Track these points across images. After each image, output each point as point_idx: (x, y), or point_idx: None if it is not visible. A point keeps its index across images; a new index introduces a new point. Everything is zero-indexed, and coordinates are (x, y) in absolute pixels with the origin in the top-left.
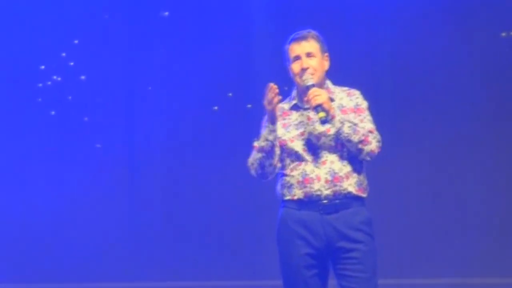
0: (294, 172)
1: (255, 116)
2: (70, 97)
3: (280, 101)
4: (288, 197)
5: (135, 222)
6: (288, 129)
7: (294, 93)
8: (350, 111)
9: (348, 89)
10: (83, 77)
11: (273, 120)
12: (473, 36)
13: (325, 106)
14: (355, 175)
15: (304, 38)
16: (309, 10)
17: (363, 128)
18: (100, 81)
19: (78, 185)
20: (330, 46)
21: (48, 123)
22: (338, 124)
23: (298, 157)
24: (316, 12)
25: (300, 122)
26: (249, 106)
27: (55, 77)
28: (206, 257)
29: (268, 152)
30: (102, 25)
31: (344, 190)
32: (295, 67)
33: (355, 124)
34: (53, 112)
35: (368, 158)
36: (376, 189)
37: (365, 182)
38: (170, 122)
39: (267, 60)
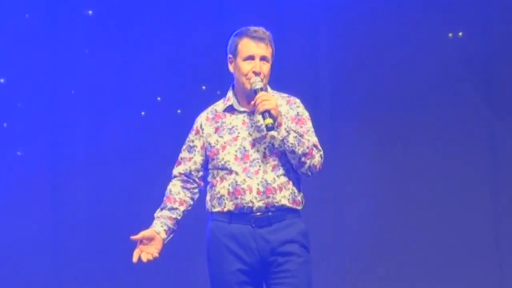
0: (225, 182)
1: (185, 121)
2: None
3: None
4: (217, 209)
5: (58, 233)
6: (221, 133)
7: (229, 93)
8: (291, 120)
9: (288, 96)
10: (1, 80)
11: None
12: (421, 37)
13: (273, 112)
14: (289, 186)
15: (263, 39)
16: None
17: (308, 140)
18: (20, 84)
19: None
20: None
21: None
22: (284, 133)
23: (229, 166)
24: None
25: (234, 126)
26: (178, 111)
27: None
28: (135, 268)
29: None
30: (22, 24)
31: (277, 202)
32: (246, 67)
33: (301, 135)
34: None
35: (309, 173)
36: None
37: (301, 195)
38: (95, 127)
39: (197, 63)
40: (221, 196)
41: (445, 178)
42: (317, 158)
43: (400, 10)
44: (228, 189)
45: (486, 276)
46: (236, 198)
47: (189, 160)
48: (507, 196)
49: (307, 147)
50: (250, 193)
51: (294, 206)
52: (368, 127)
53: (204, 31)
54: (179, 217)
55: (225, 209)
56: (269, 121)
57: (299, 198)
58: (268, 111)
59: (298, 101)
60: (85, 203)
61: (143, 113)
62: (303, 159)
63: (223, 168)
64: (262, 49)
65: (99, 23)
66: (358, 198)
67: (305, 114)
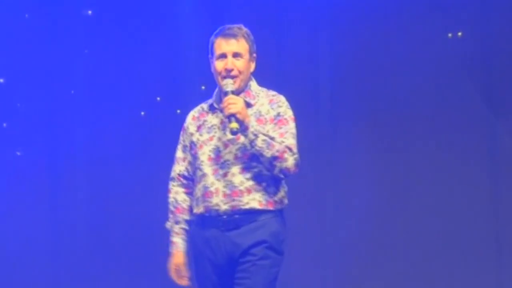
0: (199, 184)
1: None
2: None
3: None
4: (195, 211)
5: (58, 233)
6: (201, 132)
7: (215, 91)
8: (270, 121)
9: (273, 95)
10: (1, 80)
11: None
12: (421, 37)
13: (239, 116)
14: (260, 189)
15: (234, 36)
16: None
17: (280, 143)
18: (20, 84)
19: None
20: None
21: None
22: (251, 136)
23: (202, 167)
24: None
25: (213, 125)
26: (178, 111)
27: None
28: (135, 269)
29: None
30: (22, 24)
31: (244, 205)
32: (219, 65)
33: (272, 138)
34: None
35: (282, 176)
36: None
37: (280, 194)
38: (94, 127)
39: (197, 64)
40: (197, 198)
41: (445, 177)
42: (290, 161)
43: (400, 10)
44: (201, 191)
45: (486, 276)
46: (205, 201)
47: (183, 160)
48: (507, 196)
49: (277, 151)
50: (216, 196)
51: (268, 208)
52: (368, 126)
53: (204, 31)
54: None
55: (199, 212)
56: (234, 125)
57: (275, 198)
58: (233, 115)
59: (282, 99)
60: (84, 203)
61: (142, 113)
62: (273, 162)
63: (199, 169)
64: (233, 45)
65: (99, 23)
66: (358, 197)
67: (288, 114)
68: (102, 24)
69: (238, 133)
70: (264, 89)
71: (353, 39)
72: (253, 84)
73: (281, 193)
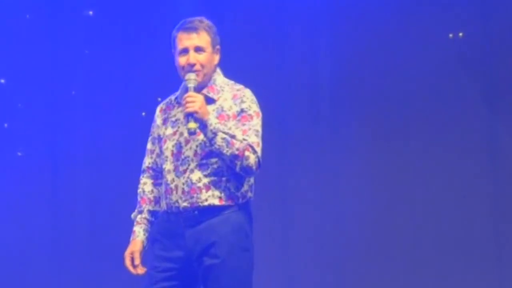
0: (163, 180)
1: None
2: None
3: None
4: (161, 206)
5: (58, 233)
6: (166, 125)
7: (182, 85)
8: (232, 117)
9: (238, 89)
10: (2, 81)
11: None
12: (421, 37)
13: (197, 115)
14: (220, 185)
15: (195, 29)
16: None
17: (241, 141)
18: (21, 85)
19: None
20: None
21: None
22: (210, 134)
23: (166, 162)
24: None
25: (177, 119)
26: None
27: None
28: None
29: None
30: (22, 25)
31: (202, 202)
32: (182, 60)
33: (232, 136)
34: None
35: (243, 174)
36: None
37: (242, 189)
38: (95, 128)
39: None
40: (161, 194)
41: (445, 177)
42: (251, 159)
43: (400, 10)
44: (163, 188)
45: (485, 276)
46: (166, 197)
47: (152, 152)
48: (507, 196)
49: (237, 149)
50: (176, 193)
51: (228, 203)
52: (367, 126)
53: None
54: (154, 219)
55: (162, 208)
56: (192, 125)
57: (237, 194)
58: (191, 114)
59: (247, 94)
60: (85, 203)
61: (143, 113)
62: (234, 160)
63: (162, 164)
64: (194, 39)
65: (100, 24)
66: (358, 197)
67: (252, 109)
68: (103, 24)
69: (195, 133)
70: (231, 83)
71: (353, 39)
72: (219, 77)
73: (245, 187)
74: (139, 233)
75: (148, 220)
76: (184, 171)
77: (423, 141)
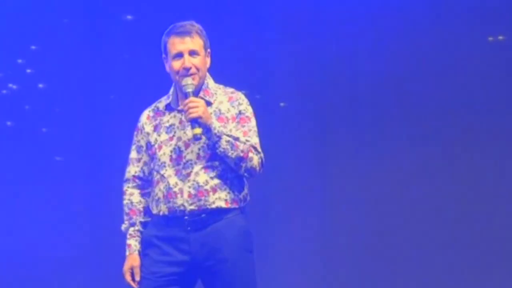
0: (160, 184)
1: None
2: (27, 107)
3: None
4: (155, 212)
5: (97, 239)
6: (159, 132)
7: (171, 91)
8: (231, 119)
9: (232, 92)
10: (41, 85)
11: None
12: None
13: (202, 120)
14: (225, 187)
15: (188, 33)
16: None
17: (244, 142)
18: (60, 90)
19: (36, 201)
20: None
21: (4, 134)
22: (214, 138)
23: (164, 167)
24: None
25: (171, 125)
26: None
27: (11, 85)
28: None
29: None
30: (61, 30)
31: (210, 204)
32: (176, 65)
33: (236, 139)
34: (9, 123)
35: (247, 175)
36: None
37: (243, 192)
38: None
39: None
40: (158, 199)
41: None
42: (255, 161)
43: (440, 13)
44: (163, 192)
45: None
46: (169, 201)
47: (138, 161)
48: None
49: (242, 151)
50: (181, 197)
51: (233, 206)
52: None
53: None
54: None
55: (161, 213)
56: (197, 131)
57: (240, 196)
58: (195, 120)
59: (242, 96)
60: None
61: None
62: (238, 163)
63: (159, 169)
64: (188, 43)
65: (139, 28)
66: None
67: (249, 111)
68: (142, 29)
69: (200, 139)
70: (221, 86)
71: (395, 43)
72: (210, 81)
73: (245, 191)
74: (136, 247)
75: (140, 232)
76: (188, 174)
77: (460, 147)
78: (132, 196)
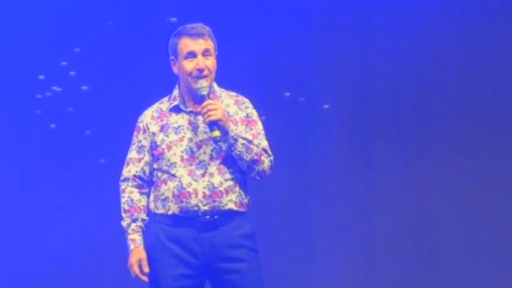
0: (170, 184)
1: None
2: (71, 109)
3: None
4: (161, 211)
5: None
6: (167, 132)
7: (175, 92)
8: (240, 122)
9: (236, 96)
10: (85, 88)
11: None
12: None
13: (221, 123)
14: (236, 189)
15: (201, 35)
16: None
17: (257, 145)
18: (103, 92)
19: (81, 203)
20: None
21: (48, 137)
22: (231, 141)
23: (174, 167)
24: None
25: (180, 126)
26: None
27: (55, 87)
28: None
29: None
30: (105, 32)
31: (223, 206)
32: (189, 65)
33: (250, 142)
34: (53, 125)
35: (258, 178)
36: None
37: (247, 197)
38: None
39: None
40: (165, 198)
41: None
42: (266, 163)
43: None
44: (173, 192)
45: None
46: (181, 201)
47: (139, 161)
48: None
49: (256, 154)
50: (195, 197)
51: (241, 209)
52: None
53: None
54: (143, 224)
55: (170, 212)
56: (216, 133)
57: (245, 200)
58: (215, 123)
59: (247, 100)
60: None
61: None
62: (252, 166)
63: (168, 169)
64: (202, 44)
65: None
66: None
67: (255, 115)
68: None
69: (220, 141)
70: (223, 89)
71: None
72: (214, 84)
73: (248, 195)
74: (140, 241)
75: (142, 228)
76: (203, 175)
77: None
78: (132, 194)
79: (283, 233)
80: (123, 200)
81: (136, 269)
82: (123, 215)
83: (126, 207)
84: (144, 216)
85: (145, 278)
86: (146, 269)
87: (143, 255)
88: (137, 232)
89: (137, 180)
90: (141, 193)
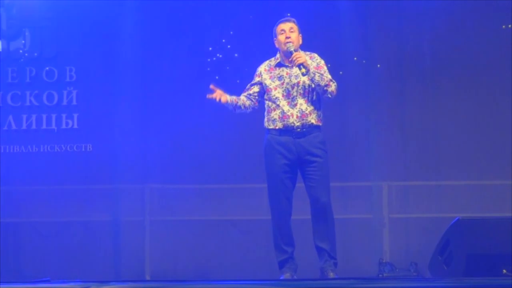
0: (277, 110)
1: None
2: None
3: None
4: (272, 127)
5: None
6: (273, 79)
7: (278, 55)
8: (314, 68)
9: (310, 53)
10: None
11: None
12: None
13: (305, 64)
14: (316, 111)
15: (288, 20)
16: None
17: (326, 77)
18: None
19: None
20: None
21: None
22: (311, 74)
23: (279, 100)
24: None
25: (281, 75)
26: None
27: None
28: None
29: (236, 106)
30: (248, 25)
31: (308, 122)
32: (281, 37)
33: (322, 74)
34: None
35: (329, 96)
36: None
37: (322, 115)
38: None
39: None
40: (274, 119)
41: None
42: (333, 87)
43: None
44: (279, 115)
45: None
46: (284, 120)
47: (250, 89)
48: None
49: (327, 81)
50: (292, 118)
51: (319, 123)
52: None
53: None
54: (240, 103)
55: (277, 127)
56: (303, 70)
57: (321, 117)
58: (301, 64)
59: (316, 55)
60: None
61: None
62: (325, 88)
63: (275, 101)
64: (287, 25)
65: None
66: None
67: (322, 63)
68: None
69: (306, 74)
70: (307, 52)
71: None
72: (299, 49)
73: (322, 114)
74: (232, 96)
75: (239, 99)
76: (295, 105)
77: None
78: (242, 96)
79: None
80: (239, 97)
81: (218, 91)
82: (235, 96)
83: (237, 97)
84: (245, 99)
85: (216, 96)
86: (217, 94)
87: (225, 95)
88: (232, 96)
89: (247, 95)
90: (247, 99)
